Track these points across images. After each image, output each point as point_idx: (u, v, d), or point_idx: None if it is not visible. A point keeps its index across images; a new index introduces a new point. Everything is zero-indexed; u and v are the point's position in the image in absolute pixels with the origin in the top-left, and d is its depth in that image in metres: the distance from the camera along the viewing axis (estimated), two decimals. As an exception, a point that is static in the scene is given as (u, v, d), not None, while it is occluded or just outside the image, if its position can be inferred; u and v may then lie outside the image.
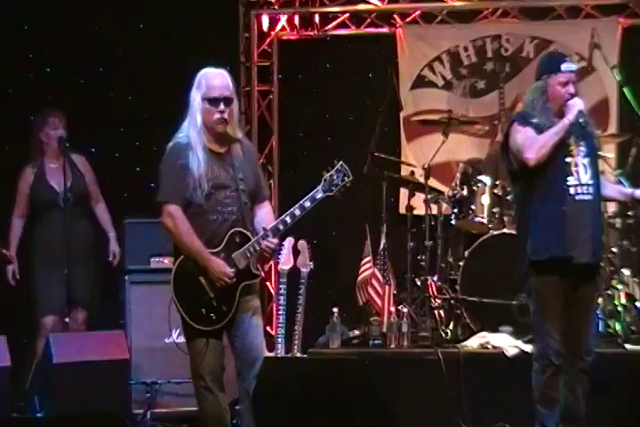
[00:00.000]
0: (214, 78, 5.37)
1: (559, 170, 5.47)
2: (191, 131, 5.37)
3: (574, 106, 5.45)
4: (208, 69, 5.42)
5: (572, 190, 5.46)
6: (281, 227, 5.37)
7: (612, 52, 7.84)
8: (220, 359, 5.44)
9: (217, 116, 5.33)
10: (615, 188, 5.92)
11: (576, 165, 5.49)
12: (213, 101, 5.32)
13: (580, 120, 5.44)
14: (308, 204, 5.35)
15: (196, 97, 5.37)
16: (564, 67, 5.53)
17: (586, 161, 5.52)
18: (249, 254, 5.35)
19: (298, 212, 5.35)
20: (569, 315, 5.48)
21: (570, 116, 5.44)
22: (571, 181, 5.47)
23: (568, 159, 5.49)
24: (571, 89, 5.50)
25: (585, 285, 5.51)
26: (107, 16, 8.09)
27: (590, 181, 5.50)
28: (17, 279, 7.01)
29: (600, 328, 6.73)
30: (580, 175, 5.48)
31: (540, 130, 5.47)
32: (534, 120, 5.52)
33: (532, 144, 5.45)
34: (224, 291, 5.32)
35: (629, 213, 7.11)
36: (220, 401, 5.46)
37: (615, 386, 6.19)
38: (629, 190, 5.81)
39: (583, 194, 5.47)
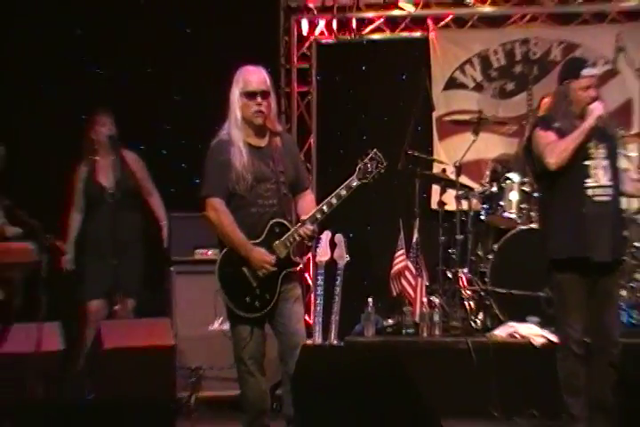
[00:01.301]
0: (251, 74, 5.36)
1: (578, 172, 5.42)
2: (232, 127, 5.37)
3: (594, 110, 5.39)
4: (245, 70, 5.42)
5: (590, 192, 5.42)
6: (319, 216, 5.36)
7: (637, 55, 7.75)
8: (262, 345, 5.44)
9: (254, 108, 5.31)
10: (637, 185, 5.84)
11: (595, 168, 5.44)
12: (251, 95, 5.32)
13: (600, 125, 5.38)
14: (343, 192, 5.33)
15: (234, 92, 5.38)
16: (584, 72, 5.48)
17: (605, 163, 5.46)
18: (289, 244, 5.34)
19: (334, 200, 5.34)
20: (592, 309, 5.45)
21: (590, 121, 5.39)
22: (589, 182, 5.42)
23: (587, 162, 5.43)
24: (592, 93, 5.43)
25: (605, 278, 5.46)
26: (156, 20, 8.11)
27: (609, 183, 5.44)
28: (69, 269, 7.03)
29: (624, 319, 6.66)
30: (598, 177, 5.43)
31: (562, 134, 5.42)
32: (556, 124, 5.47)
33: (553, 149, 5.41)
34: (266, 280, 5.31)
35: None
36: (261, 385, 5.45)
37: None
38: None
39: (602, 195, 5.42)
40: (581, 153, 5.41)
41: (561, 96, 5.55)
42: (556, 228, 5.51)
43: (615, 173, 5.50)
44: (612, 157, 5.50)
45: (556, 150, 5.40)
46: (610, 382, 5.40)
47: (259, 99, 5.32)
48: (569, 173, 5.42)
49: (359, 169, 5.36)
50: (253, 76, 5.36)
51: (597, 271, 5.41)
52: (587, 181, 5.41)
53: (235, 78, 5.41)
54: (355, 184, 5.34)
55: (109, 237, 6.88)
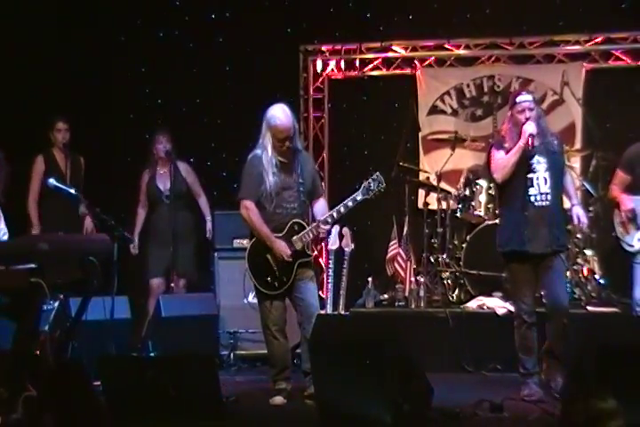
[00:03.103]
0: (281, 123, 5.28)
1: (522, 183, 5.34)
2: (263, 149, 5.37)
3: (526, 131, 5.27)
4: (276, 111, 5.31)
5: (532, 198, 5.32)
6: (330, 220, 5.39)
7: (578, 88, 7.72)
8: (283, 315, 5.46)
9: (282, 148, 5.31)
10: (569, 192, 5.59)
11: (537, 178, 5.32)
12: (280, 140, 5.30)
13: (530, 143, 5.23)
14: (350, 204, 5.36)
15: (266, 133, 5.33)
16: (518, 99, 5.40)
17: (547, 174, 5.34)
18: (304, 239, 5.37)
19: (342, 209, 5.36)
20: (543, 284, 5.40)
21: (522, 140, 5.28)
22: (531, 191, 5.32)
23: (530, 175, 5.32)
24: (526, 114, 5.32)
25: (546, 260, 5.34)
26: (203, 61, 8.12)
27: (549, 190, 5.32)
28: (134, 254, 7.06)
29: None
30: (540, 186, 5.33)
31: (508, 152, 5.34)
32: (505, 144, 5.40)
33: (497, 166, 5.37)
34: (285, 265, 5.33)
35: (590, 208, 7.01)
36: (284, 345, 5.48)
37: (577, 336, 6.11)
38: (572, 202, 5.56)
39: (542, 201, 5.32)
40: (524, 167, 5.31)
41: (507, 120, 5.48)
42: (503, 226, 5.49)
43: (556, 181, 5.37)
44: (554, 168, 5.38)
45: (499, 167, 5.36)
46: (561, 338, 5.36)
47: (286, 142, 5.31)
48: (515, 183, 5.35)
49: (363, 187, 5.36)
50: (282, 127, 5.28)
51: (538, 258, 5.34)
52: (529, 189, 5.32)
53: (267, 119, 5.30)
54: (359, 198, 5.36)
55: (168, 230, 6.91)
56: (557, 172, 5.42)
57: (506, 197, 5.47)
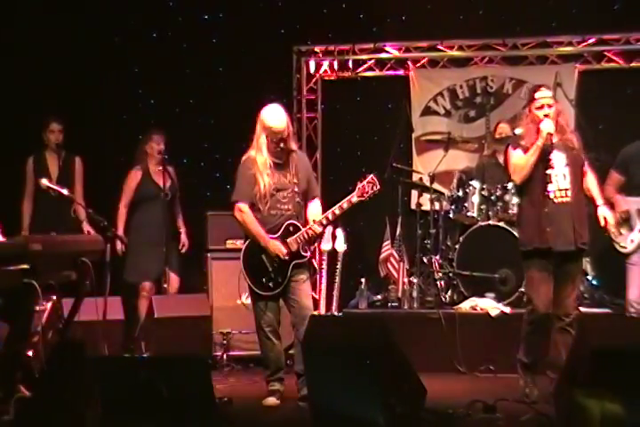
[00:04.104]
0: (275, 124, 5.26)
1: (541, 180, 5.22)
2: (257, 149, 5.35)
3: (544, 130, 5.17)
4: (270, 112, 5.29)
5: (551, 195, 5.18)
6: (324, 222, 5.37)
7: (571, 89, 7.72)
8: (277, 316, 5.43)
9: (277, 149, 5.29)
10: (593, 192, 5.41)
11: (556, 175, 5.20)
12: (275, 141, 5.29)
13: (549, 141, 5.15)
14: (345, 205, 5.33)
15: (261, 134, 5.31)
16: (537, 94, 5.27)
17: (566, 170, 5.21)
18: (299, 240, 5.33)
19: (337, 211, 5.34)
20: (555, 286, 5.23)
21: (540, 140, 5.18)
22: (551, 187, 5.19)
23: (549, 171, 5.20)
24: (545, 111, 5.21)
25: (567, 263, 5.23)
26: (196, 62, 8.11)
27: (568, 186, 5.20)
28: (123, 253, 6.81)
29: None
30: (559, 182, 5.20)
31: (527, 150, 5.23)
32: (522, 142, 5.29)
33: (515, 168, 5.27)
34: (279, 266, 5.31)
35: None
36: (277, 347, 5.45)
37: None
38: (597, 203, 5.39)
39: (562, 197, 5.19)
40: (542, 164, 5.21)
41: (525, 118, 5.35)
42: (524, 225, 5.33)
43: (576, 176, 5.23)
44: (573, 164, 5.25)
45: (517, 169, 5.26)
46: (564, 343, 5.18)
47: (280, 143, 5.30)
48: (533, 181, 5.24)
49: (358, 189, 5.32)
50: (277, 128, 5.25)
51: (561, 258, 5.20)
52: (548, 186, 5.21)
53: (262, 120, 5.29)
54: (354, 200, 5.32)
55: (162, 229, 6.84)
56: (577, 168, 5.27)
57: (525, 194, 5.34)
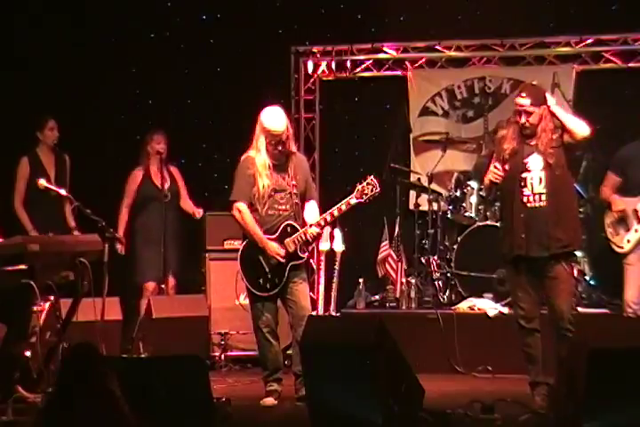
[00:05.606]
0: (275, 127, 5.25)
1: (515, 183, 4.98)
2: (257, 150, 5.35)
3: (488, 176, 5.03)
4: (270, 114, 5.28)
5: (525, 199, 4.94)
6: (322, 223, 5.36)
7: (568, 89, 7.73)
8: (275, 317, 5.43)
9: (275, 151, 5.29)
10: None
11: (531, 178, 4.95)
12: (274, 143, 5.28)
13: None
14: (344, 207, 5.32)
15: (260, 136, 5.31)
16: (515, 100, 5.07)
17: (542, 174, 4.94)
18: (297, 241, 5.33)
19: (336, 212, 5.33)
20: (545, 290, 5.01)
21: (486, 178, 5.07)
22: (525, 191, 4.95)
23: (524, 174, 4.96)
24: (522, 118, 4.97)
25: (546, 267, 4.96)
26: (194, 63, 8.11)
27: (543, 190, 4.93)
28: (124, 254, 6.86)
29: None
30: (533, 187, 4.95)
31: (497, 159, 5.07)
32: (504, 146, 5.07)
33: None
34: (277, 267, 5.30)
35: (581, 209, 6.99)
36: (275, 347, 5.45)
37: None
38: None
39: (536, 202, 4.94)
40: (519, 167, 4.97)
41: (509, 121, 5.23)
42: (503, 230, 5.18)
43: (553, 180, 4.95)
44: (552, 167, 4.93)
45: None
46: (558, 348, 4.93)
47: (279, 146, 5.29)
48: (508, 185, 5.03)
49: (357, 190, 5.31)
50: (276, 131, 5.24)
51: (537, 263, 4.99)
52: (523, 190, 4.95)
53: (262, 122, 5.27)
54: (353, 202, 5.31)
55: (161, 230, 6.83)
56: (554, 171, 4.97)
57: (501, 199, 5.27)
